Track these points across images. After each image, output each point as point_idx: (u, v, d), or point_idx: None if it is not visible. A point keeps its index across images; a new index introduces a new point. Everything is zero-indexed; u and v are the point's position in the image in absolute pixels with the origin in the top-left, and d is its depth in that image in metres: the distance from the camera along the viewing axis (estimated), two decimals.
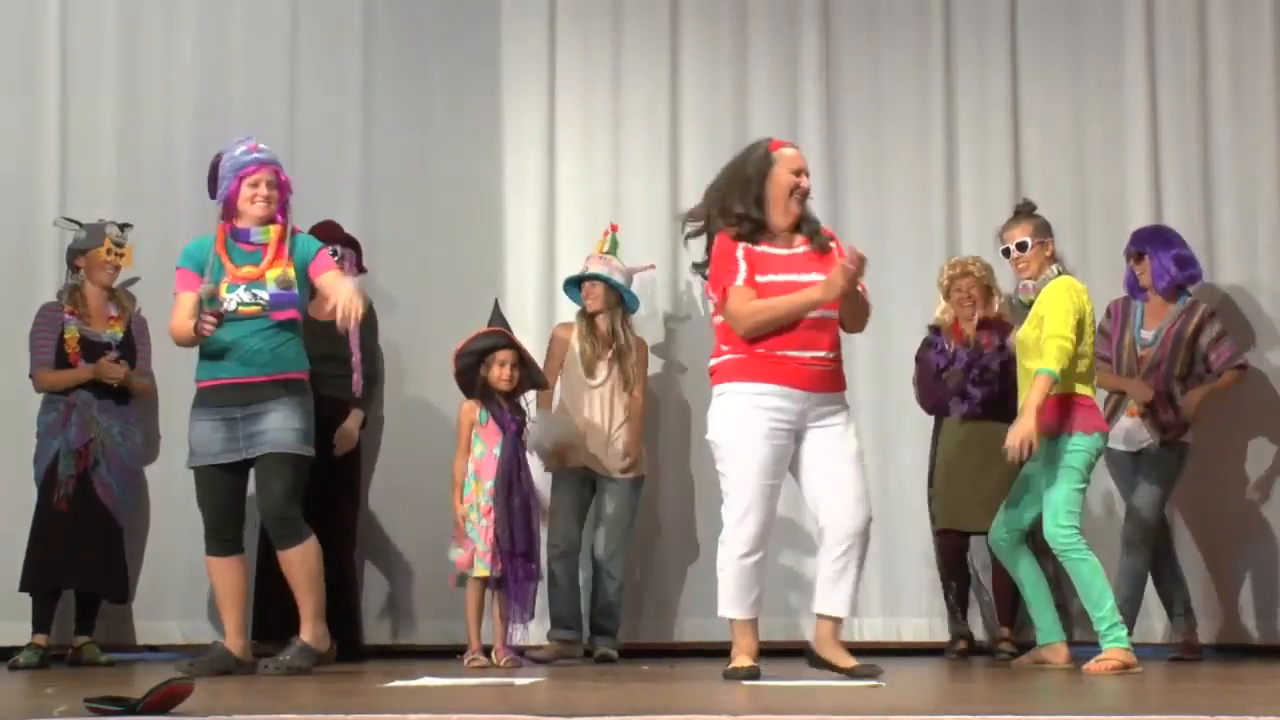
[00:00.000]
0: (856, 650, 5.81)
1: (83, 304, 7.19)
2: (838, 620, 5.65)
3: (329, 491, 6.96)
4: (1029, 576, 6.40)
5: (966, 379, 7.21)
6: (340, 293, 5.88)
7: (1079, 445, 6.08)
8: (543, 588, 7.03)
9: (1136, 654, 6.04)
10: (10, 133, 7.77)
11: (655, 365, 7.77)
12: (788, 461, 5.64)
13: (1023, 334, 6.27)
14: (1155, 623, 7.47)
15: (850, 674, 5.48)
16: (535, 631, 7.18)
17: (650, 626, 7.73)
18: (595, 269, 7.37)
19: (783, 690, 5.06)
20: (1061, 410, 6.11)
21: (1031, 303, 6.28)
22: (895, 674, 5.69)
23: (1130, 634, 6.16)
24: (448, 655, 7.00)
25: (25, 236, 7.72)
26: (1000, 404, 7.08)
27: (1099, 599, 6.01)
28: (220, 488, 6.07)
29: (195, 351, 6.14)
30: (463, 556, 6.68)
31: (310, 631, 6.04)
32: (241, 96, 7.88)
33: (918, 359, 7.45)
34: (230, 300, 5.99)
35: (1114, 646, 5.95)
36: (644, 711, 3.91)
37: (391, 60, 8.00)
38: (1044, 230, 6.33)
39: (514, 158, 8.00)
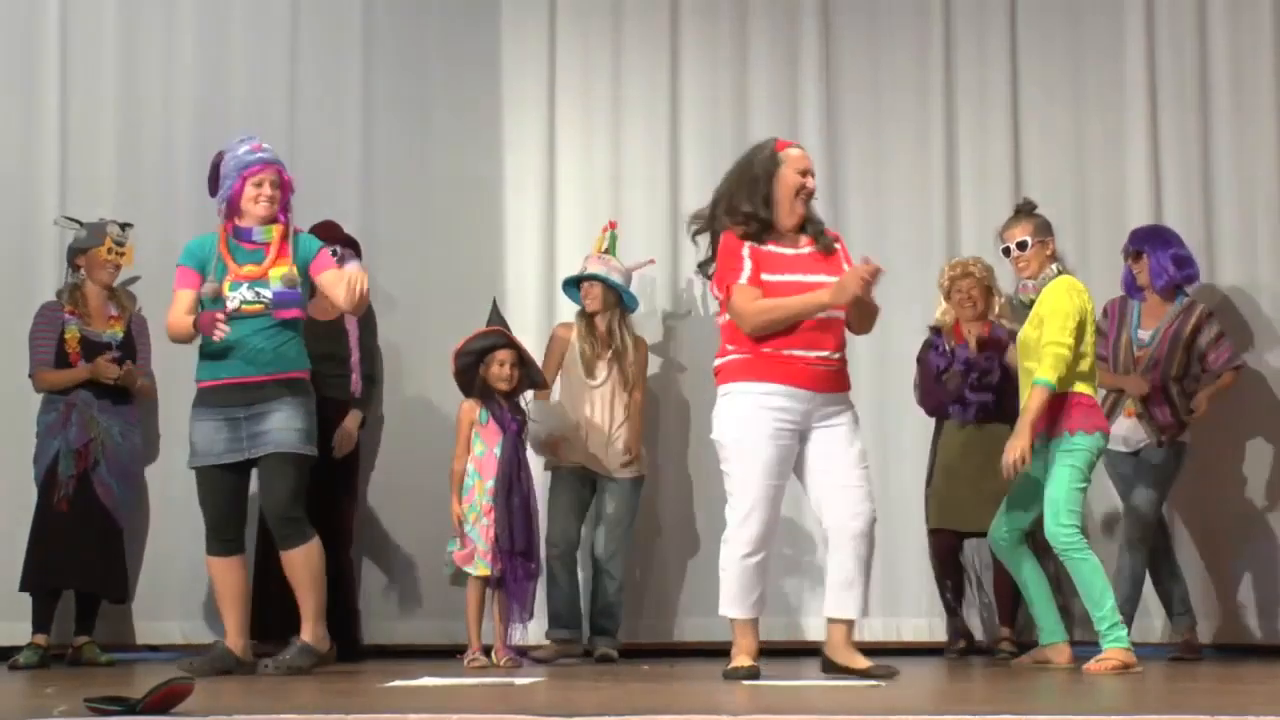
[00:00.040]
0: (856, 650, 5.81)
1: (83, 303, 7.19)
2: (849, 623, 5.66)
3: (327, 491, 6.95)
4: (1031, 577, 6.40)
5: (965, 384, 7.21)
6: (345, 274, 5.93)
7: (1080, 444, 6.07)
8: (542, 586, 7.04)
9: (1136, 654, 6.04)
10: (10, 133, 7.77)
11: (655, 364, 7.77)
12: (792, 462, 5.65)
13: (1024, 334, 6.27)
14: (1155, 622, 7.48)
15: (866, 675, 5.47)
16: (535, 631, 7.18)
17: (650, 626, 7.73)
18: (594, 269, 7.37)
19: (783, 690, 5.06)
20: (1063, 409, 6.10)
21: (1032, 302, 6.28)
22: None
23: (1129, 633, 6.16)
24: (448, 655, 7.00)
25: (25, 236, 7.72)
26: (1001, 407, 7.08)
27: (1100, 598, 6.01)
28: (222, 488, 6.07)
29: (195, 351, 6.14)
30: (461, 553, 6.69)
31: (311, 632, 6.04)
32: (241, 96, 7.88)
33: (919, 360, 7.45)
34: (233, 298, 5.99)
35: (1114, 646, 5.95)
36: (644, 711, 3.91)
37: (391, 60, 8.00)
38: (1044, 229, 6.33)
39: (514, 157, 8.00)
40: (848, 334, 5.76)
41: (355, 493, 7.46)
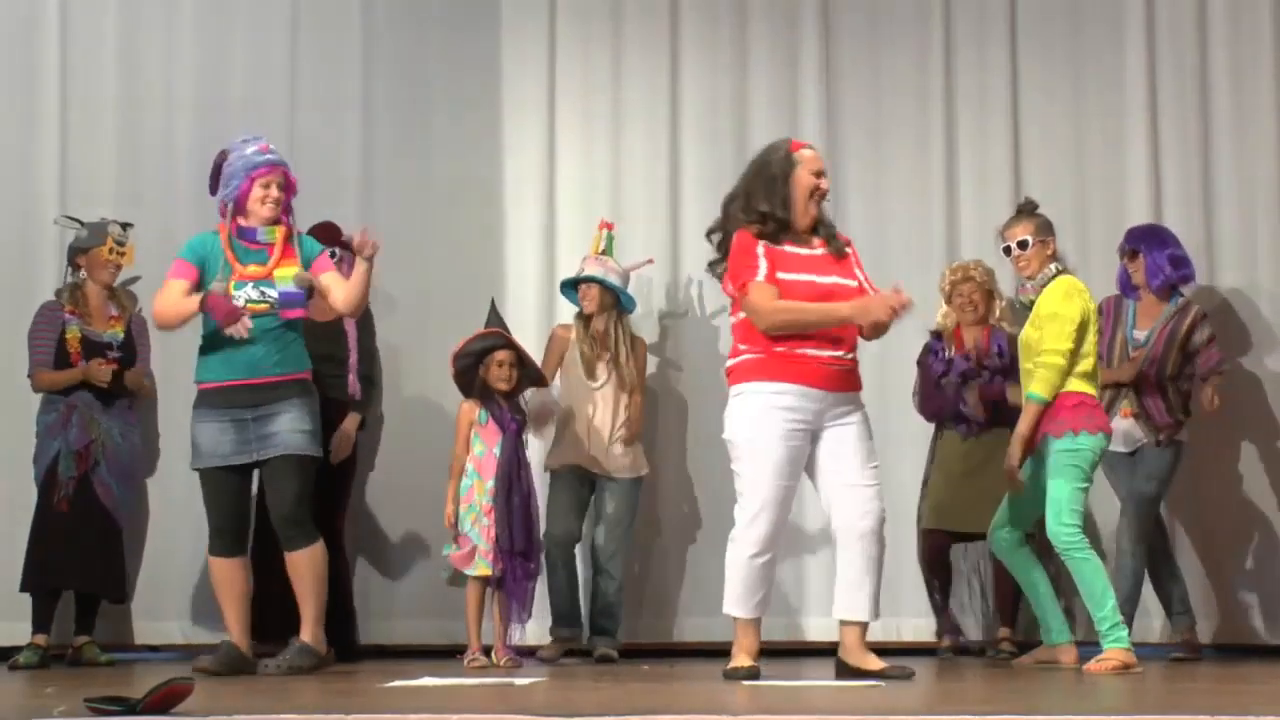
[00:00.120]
0: None
1: (83, 303, 7.18)
2: (862, 625, 5.66)
3: (323, 491, 6.94)
4: (1034, 578, 6.40)
5: (959, 400, 7.21)
6: (357, 245, 6.01)
7: (1082, 445, 6.07)
8: (543, 585, 7.03)
9: (1136, 654, 6.04)
10: (10, 132, 7.77)
11: (654, 364, 7.78)
12: (803, 463, 5.66)
13: (1024, 335, 6.27)
14: (1154, 622, 7.48)
15: (881, 676, 5.46)
16: (534, 631, 7.18)
17: (650, 626, 7.73)
18: (591, 270, 7.37)
19: (783, 690, 5.06)
20: (1065, 410, 6.10)
21: (1032, 303, 6.28)
22: None
23: (1129, 634, 6.17)
24: (448, 655, 7.00)
25: (25, 236, 7.72)
26: (1001, 412, 7.09)
27: (1101, 598, 6.01)
28: (228, 489, 6.07)
29: (195, 352, 6.14)
30: (459, 555, 6.69)
31: (311, 633, 6.04)
32: (241, 96, 7.88)
33: (918, 364, 7.45)
34: (238, 298, 5.99)
35: (1114, 646, 5.94)
36: (644, 711, 3.91)
37: (391, 62, 8.00)
38: (1045, 229, 6.32)
39: (514, 160, 7.99)
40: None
41: (348, 495, 7.42)
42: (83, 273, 7.22)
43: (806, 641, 7.59)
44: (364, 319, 7.25)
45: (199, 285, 6.05)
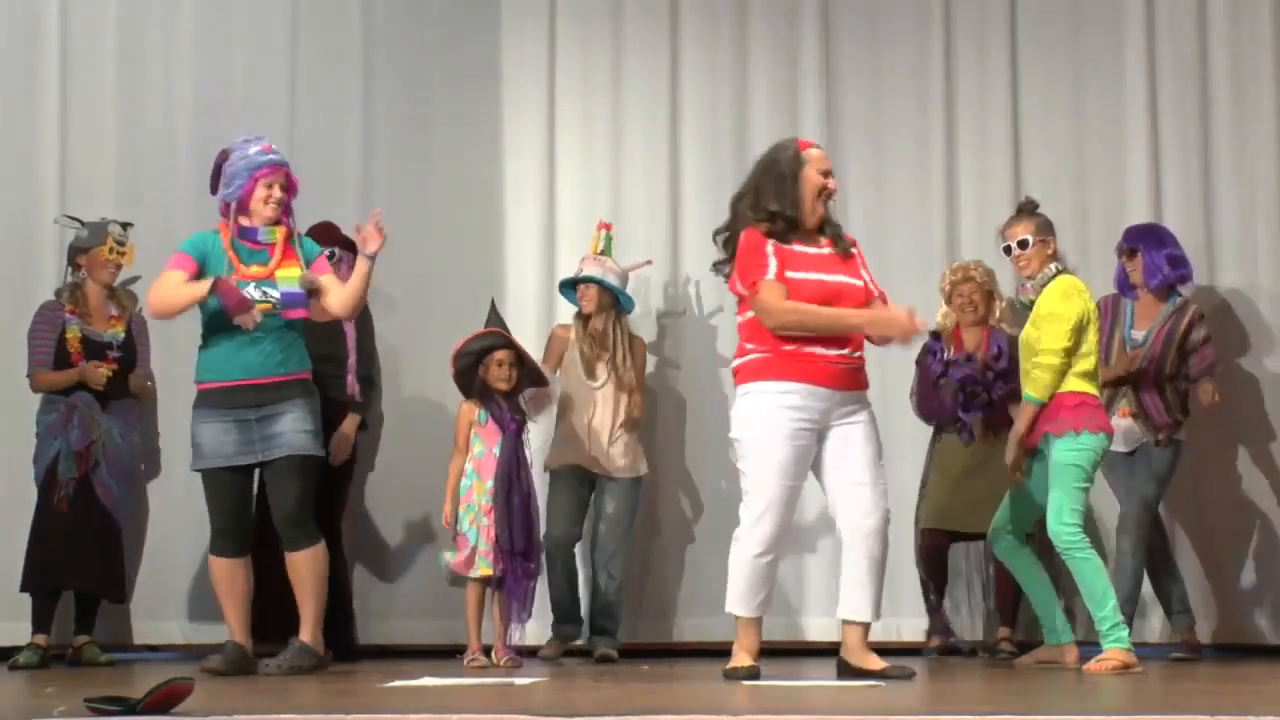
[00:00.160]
0: None
1: (84, 303, 7.18)
2: (864, 625, 5.66)
3: (322, 492, 6.93)
4: (1034, 578, 6.40)
5: (957, 404, 7.21)
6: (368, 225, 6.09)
7: (1083, 444, 6.06)
8: (543, 585, 7.03)
9: (1136, 654, 6.04)
10: (10, 132, 7.78)
11: (653, 364, 7.78)
12: (809, 463, 5.66)
13: (1025, 334, 6.27)
14: (1153, 622, 7.49)
15: (882, 676, 5.47)
16: (534, 631, 7.18)
17: (650, 626, 7.73)
18: (589, 271, 7.37)
19: (783, 690, 5.06)
20: (1066, 409, 6.10)
21: (1033, 303, 6.28)
22: None
23: (1129, 633, 6.17)
24: (448, 655, 7.00)
25: (25, 235, 7.72)
26: (1000, 413, 7.09)
27: (1101, 598, 6.01)
28: (231, 490, 6.07)
29: (195, 352, 6.14)
30: (459, 558, 6.68)
31: (310, 634, 6.04)
32: (241, 96, 7.89)
33: (917, 364, 7.45)
34: None
35: (1115, 646, 5.94)
36: (644, 711, 3.91)
37: (391, 62, 8.00)
38: (1046, 228, 6.32)
39: (514, 162, 7.99)
40: None
41: (347, 495, 7.42)
42: (83, 272, 7.22)
43: (807, 641, 7.59)
44: (363, 319, 7.25)
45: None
